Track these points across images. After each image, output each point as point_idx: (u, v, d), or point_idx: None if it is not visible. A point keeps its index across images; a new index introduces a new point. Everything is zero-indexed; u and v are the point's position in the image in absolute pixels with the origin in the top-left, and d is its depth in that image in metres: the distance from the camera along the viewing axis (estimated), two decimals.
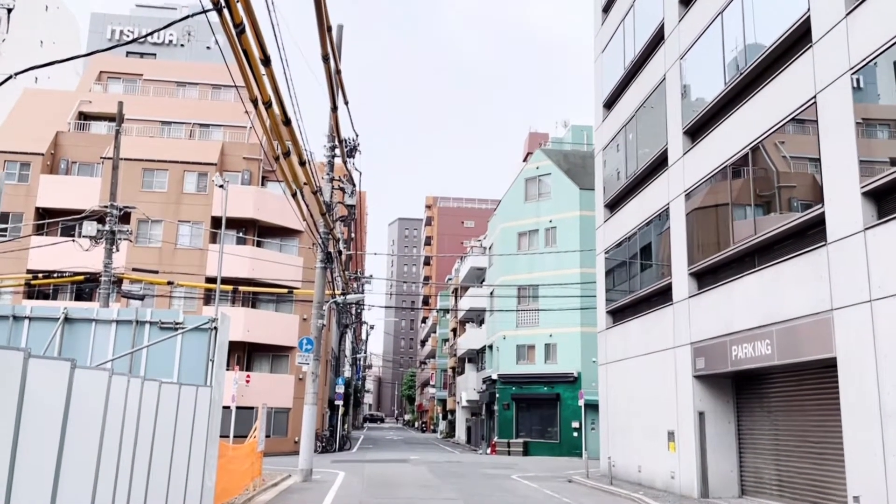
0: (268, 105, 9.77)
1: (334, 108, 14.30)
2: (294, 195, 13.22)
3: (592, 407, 34.77)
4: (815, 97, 12.64)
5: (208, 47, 44.45)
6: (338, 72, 13.94)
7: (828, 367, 12.93)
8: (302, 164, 12.50)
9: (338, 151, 19.61)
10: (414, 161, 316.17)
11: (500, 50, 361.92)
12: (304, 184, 15.13)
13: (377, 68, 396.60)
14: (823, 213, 12.28)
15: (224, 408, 25.20)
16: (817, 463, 13.64)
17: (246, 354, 34.02)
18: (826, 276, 12.10)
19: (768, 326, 13.78)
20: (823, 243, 12.22)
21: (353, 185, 20.24)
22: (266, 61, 8.93)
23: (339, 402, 39.21)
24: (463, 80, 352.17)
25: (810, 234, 12.96)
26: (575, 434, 35.98)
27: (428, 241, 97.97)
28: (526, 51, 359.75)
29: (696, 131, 17.63)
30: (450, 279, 64.76)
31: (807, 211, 12.81)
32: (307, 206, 15.49)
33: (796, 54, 13.38)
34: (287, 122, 10.81)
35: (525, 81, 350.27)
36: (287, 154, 11.56)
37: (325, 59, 11.22)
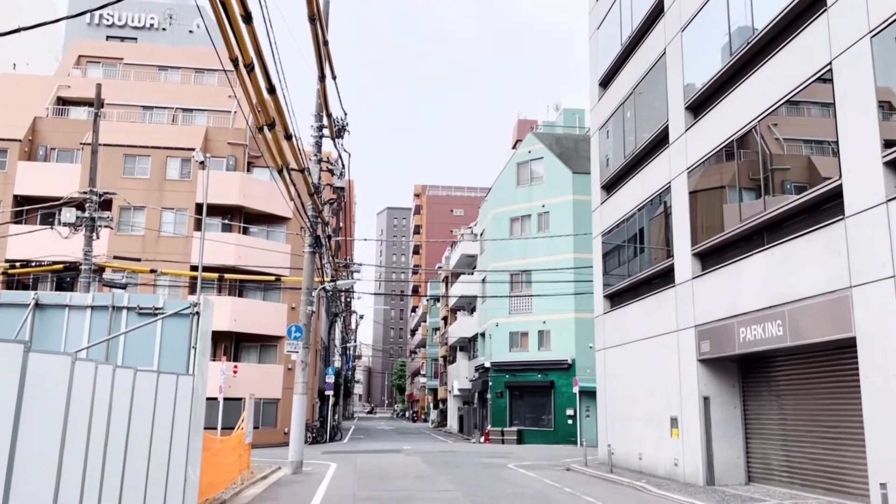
0: (250, 68, 8.98)
1: (322, 77, 13.47)
2: (280, 171, 12.43)
3: (587, 394, 34.24)
4: (830, 64, 11.98)
5: (190, 31, 43.31)
6: (325, 42, 13.13)
7: (843, 348, 12.35)
8: (288, 137, 11.72)
9: (326, 130, 18.77)
10: (402, 152, 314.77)
11: (486, 37, 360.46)
12: (292, 168, 14.38)
13: (363, 58, 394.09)
14: (840, 185, 11.64)
15: (211, 399, 24.39)
16: (831, 448, 13.07)
17: (233, 344, 33.20)
18: (844, 252, 11.47)
19: (779, 307, 13.16)
20: (840, 217, 11.59)
21: (343, 167, 19.46)
22: (247, 18, 8.16)
23: (330, 393, 38.51)
24: (451, 70, 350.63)
25: (824, 208, 12.33)
26: (569, 421, 35.45)
27: (417, 230, 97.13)
28: (512, 37, 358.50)
29: (698, 106, 16.96)
30: (440, 267, 64.07)
31: (821, 184, 12.17)
32: (294, 185, 14.71)
33: (809, 20, 12.70)
34: (272, 90, 10.02)
35: (514, 69, 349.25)
36: (272, 125, 10.78)
37: (312, 19, 10.42)
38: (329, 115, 16.05)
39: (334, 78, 15.55)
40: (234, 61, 8.43)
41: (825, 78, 12.18)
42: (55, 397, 6.00)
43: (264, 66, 9.31)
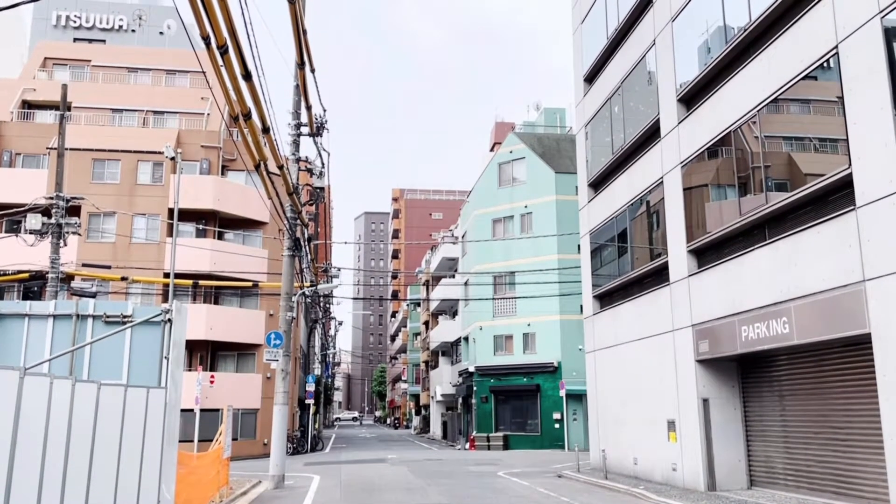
0: (223, 50, 8.18)
1: (301, 65, 12.65)
2: (257, 167, 11.62)
3: (573, 397, 33.71)
4: (836, 47, 11.44)
5: (161, 32, 42.14)
6: (304, 30, 12.36)
7: (853, 345, 11.81)
8: (265, 130, 10.92)
9: (305, 129, 17.95)
10: (379, 158, 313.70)
11: (456, 43, 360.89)
12: (271, 172, 13.54)
13: (339, 66, 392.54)
14: (850, 174, 11.08)
15: (187, 410, 23.38)
16: (841, 450, 12.49)
17: (209, 354, 32.14)
18: (856, 244, 10.91)
19: (785, 303, 12.58)
20: (851, 208, 11.03)
21: (322, 165, 18.65)
22: None
23: (311, 401, 37.55)
24: (427, 75, 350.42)
25: (832, 199, 11.78)
26: (556, 426, 34.83)
27: (396, 234, 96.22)
28: (486, 43, 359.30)
29: (692, 98, 16.40)
30: (420, 272, 63.27)
31: (829, 174, 11.61)
32: (273, 184, 13.89)
33: (812, 1, 12.16)
34: (247, 76, 9.23)
35: (486, 73, 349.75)
36: (248, 116, 9.98)
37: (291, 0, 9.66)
38: (309, 108, 15.26)
39: (313, 71, 14.75)
40: (206, 40, 7.64)
41: (831, 62, 11.65)
42: (1, 416, 5.20)
43: (239, 48, 8.52)
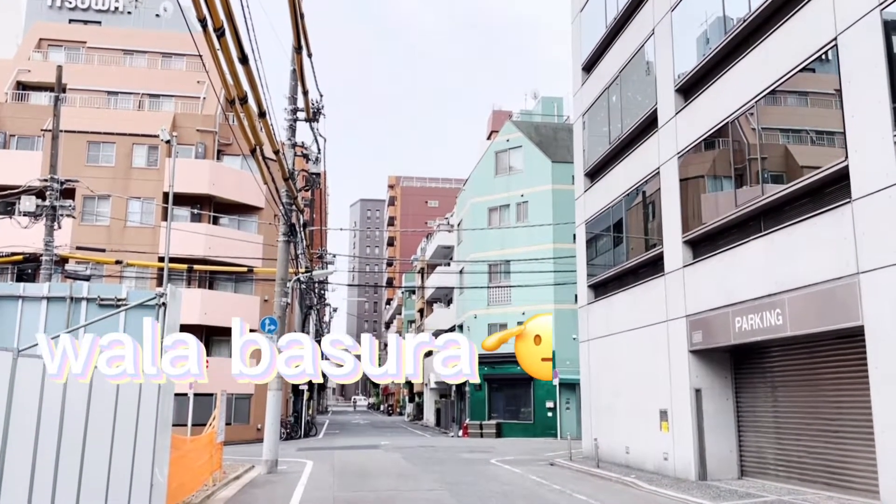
0: (220, 33, 8.12)
1: (298, 49, 12.59)
2: (253, 152, 11.58)
3: (567, 386, 33.80)
4: (835, 39, 11.41)
5: (157, 14, 41.81)
6: (301, 14, 12.28)
7: (846, 337, 11.86)
8: (262, 114, 10.87)
9: (301, 114, 17.87)
10: (376, 144, 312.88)
11: (456, 32, 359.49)
12: (267, 157, 13.47)
13: (336, 53, 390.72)
14: (846, 167, 11.10)
15: (181, 395, 23.44)
16: (832, 441, 12.58)
17: (204, 338, 32.06)
18: (851, 237, 10.94)
19: (779, 295, 12.62)
20: (847, 200, 11.05)
21: (318, 151, 18.59)
22: None
23: (304, 387, 37.60)
24: (424, 63, 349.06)
25: (828, 192, 11.80)
26: (549, 414, 34.95)
27: (391, 222, 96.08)
28: (484, 33, 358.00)
29: (689, 88, 16.37)
30: (415, 259, 63.26)
31: (825, 166, 11.62)
32: (268, 169, 13.84)
33: None
34: (244, 59, 9.17)
35: (486, 63, 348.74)
36: (244, 100, 9.92)
37: None
38: (306, 93, 15.18)
39: (310, 55, 14.68)
40: (203, 22, 7.58)
41: (829, 54, 11.63)
42: None
43: (236, 31, 8.46)
